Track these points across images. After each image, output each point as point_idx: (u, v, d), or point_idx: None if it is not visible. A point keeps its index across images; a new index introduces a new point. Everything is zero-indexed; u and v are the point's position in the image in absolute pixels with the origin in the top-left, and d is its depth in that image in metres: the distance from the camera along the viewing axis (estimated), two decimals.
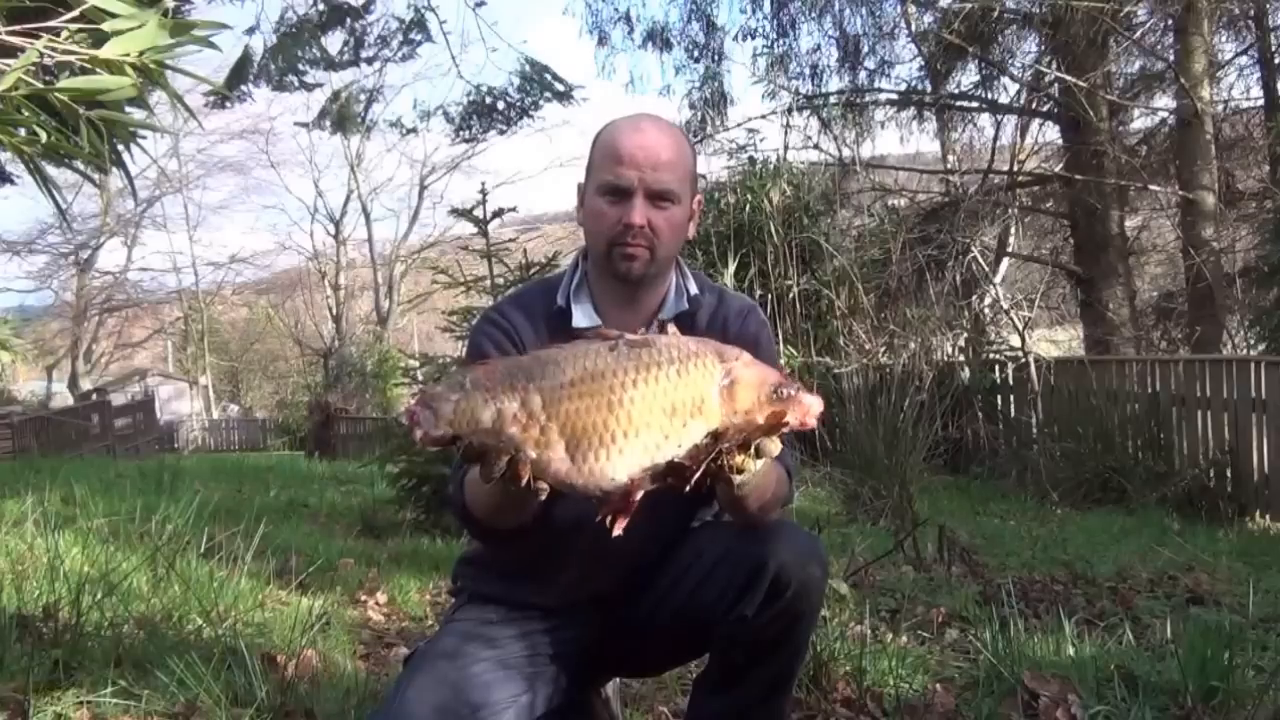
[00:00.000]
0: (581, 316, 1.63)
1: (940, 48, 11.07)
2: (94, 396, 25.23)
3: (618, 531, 1.24)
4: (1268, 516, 6.00)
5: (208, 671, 2.10)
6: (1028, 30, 11.20)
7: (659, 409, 1.22)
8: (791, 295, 9.00)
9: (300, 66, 9.38)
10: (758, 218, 9.39)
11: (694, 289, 1.67)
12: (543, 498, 1.24)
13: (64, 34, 1.81)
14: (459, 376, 1.25)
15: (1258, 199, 10.09)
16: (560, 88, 9.79)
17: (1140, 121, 11.45)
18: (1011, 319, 9.50)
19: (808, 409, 1.26)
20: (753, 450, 1.26)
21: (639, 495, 1.24)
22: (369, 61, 9.97)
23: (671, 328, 1.37)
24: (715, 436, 1.24)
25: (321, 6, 9.40)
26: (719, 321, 1.67)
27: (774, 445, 1.27)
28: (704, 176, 9.70)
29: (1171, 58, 10.18)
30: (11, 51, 1.78)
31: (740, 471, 1.27)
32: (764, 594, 1.48)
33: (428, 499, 5.29)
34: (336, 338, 30.05)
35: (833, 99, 11.83)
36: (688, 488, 1.25)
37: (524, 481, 1.22)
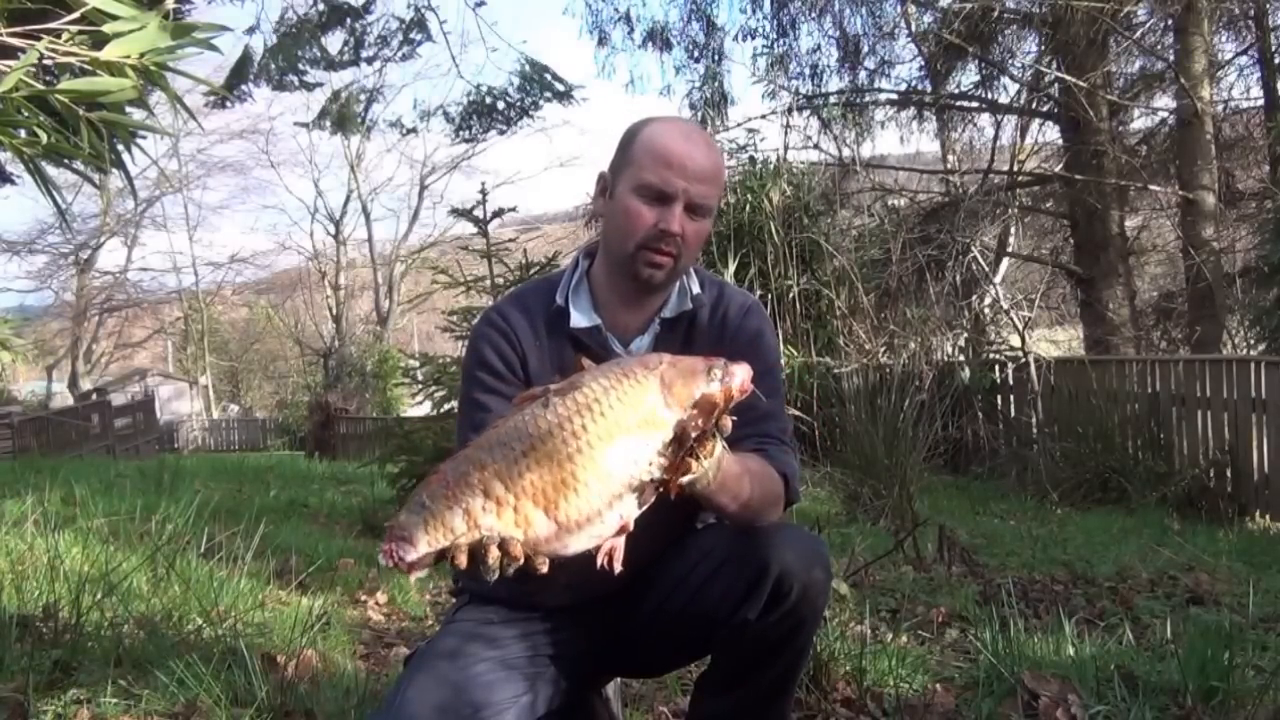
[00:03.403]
0: (579, 317, 1.63)
1: (940, 48, 11.07)
2: (94, 396, 25.25)
3: (618, 569, 1.26)
4: (1268, 516, 6.00)
5: (208, 671, 2.11)
6: (1028, 30, 11.19)
7: (616, 441, 1.23)
8: (791, 295, 9.00)
9: (300, 66, 9.39)
10: (758, 218, 9.39)
11: (696, 288, 1.68)
12: (544, 570, 1.22)
13: (64, 35, 1.81)
14: (416, 498, 1.24)
15: (1258, 199, 10.08)
16: (560, 88, 9.79)
17: (1140, 121, 11.46)
18: (1011, 319, 9.51)
19: (744, 378, 1.30)
20: (715, 435, 1.29)
21: (630, 525, 1.26)
22: (369, 61, 9.97)
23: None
24: (678, 440, 1.26)
25: (321, 6, 9.41)
26: (719, 317, 1.67)
27: (725, 422, 1.30)
28: None
29: (1171, 58, 10.17)
30: (12, 52, 1.78)
31: (689, 472, 1.28)
32: (767, 597, 1.48)
33: None
34: (336, 338, 30.09)
35: (833, 99, 11.82)
36: (673, 495, 1.27)
37: (523, 559, 1.21)
